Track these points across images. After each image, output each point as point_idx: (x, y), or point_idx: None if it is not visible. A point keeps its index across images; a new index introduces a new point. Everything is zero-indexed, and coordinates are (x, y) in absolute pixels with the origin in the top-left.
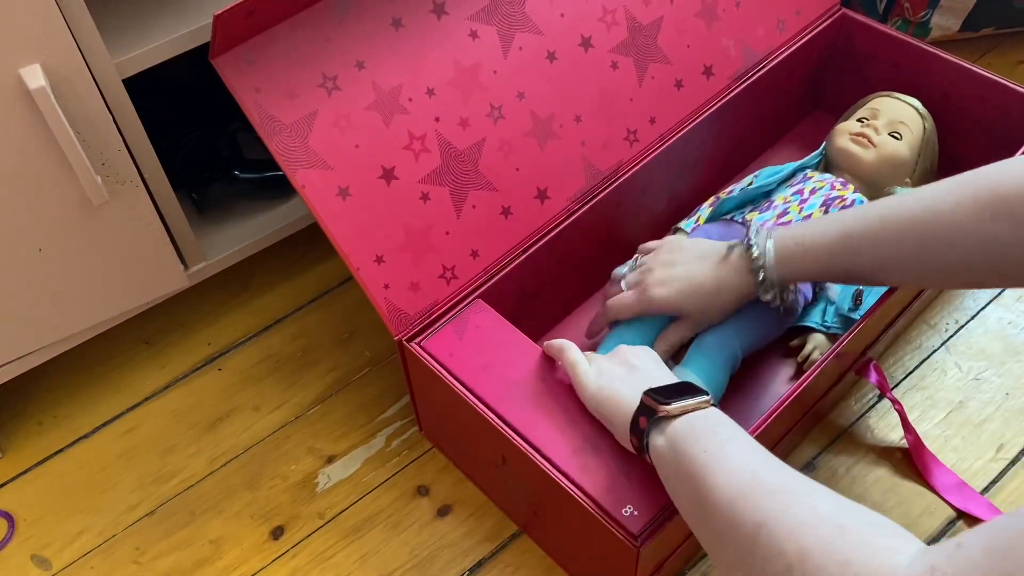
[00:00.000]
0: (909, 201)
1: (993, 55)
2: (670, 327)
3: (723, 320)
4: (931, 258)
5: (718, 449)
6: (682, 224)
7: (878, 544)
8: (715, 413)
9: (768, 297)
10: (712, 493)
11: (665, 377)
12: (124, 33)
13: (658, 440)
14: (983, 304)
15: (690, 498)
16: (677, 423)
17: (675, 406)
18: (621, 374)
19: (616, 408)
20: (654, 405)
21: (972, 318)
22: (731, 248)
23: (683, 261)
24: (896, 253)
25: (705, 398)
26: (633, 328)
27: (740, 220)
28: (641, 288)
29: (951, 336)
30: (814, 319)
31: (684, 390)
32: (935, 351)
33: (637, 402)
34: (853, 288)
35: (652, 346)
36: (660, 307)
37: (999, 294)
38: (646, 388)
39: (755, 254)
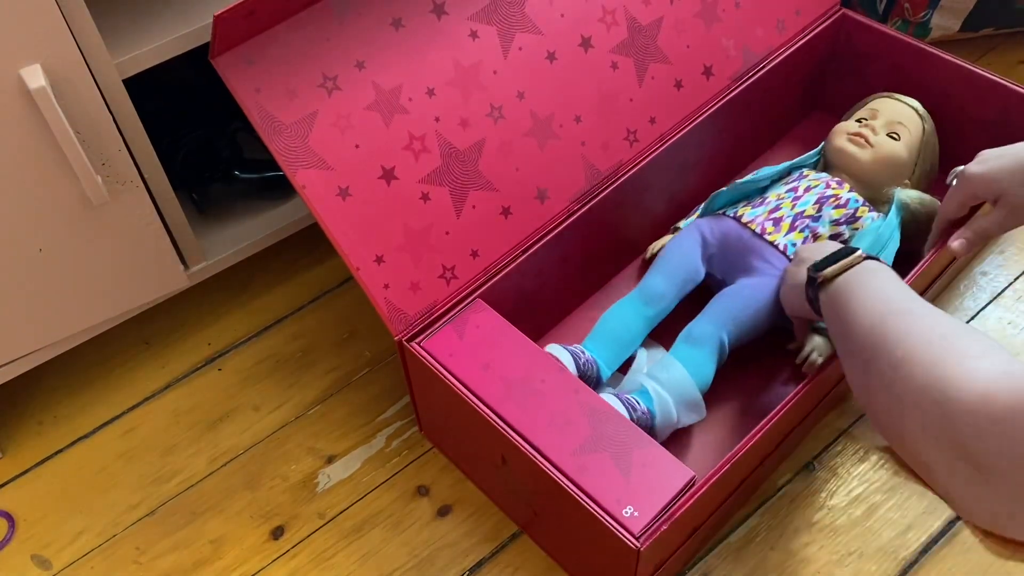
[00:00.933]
0: None
1: (993, 55)
2: (984, 216)
3: None
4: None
5: (871, 300)
6: (681, 223)
7: (968, 351)
8: (865, 270)
9: None
10: (853, 325)
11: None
12: (124, 33)
13: (824, 300)
14: (983, 304)
15: (842, 340)
16: (836, 284)
17: (828, 270)
18: (792, 269)
19: (795, 293)
20: (814, 274)
21: (972, 318)
22: None
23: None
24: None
25: (856, 255)
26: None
27: (732, 215)
28: (961, 174)
29: None
30: None
31: (837, 256)
32: None
33: (805, 278)
34: None
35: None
36: (977, 185)
37: (999, 294)
38: (809, 266)
39: None
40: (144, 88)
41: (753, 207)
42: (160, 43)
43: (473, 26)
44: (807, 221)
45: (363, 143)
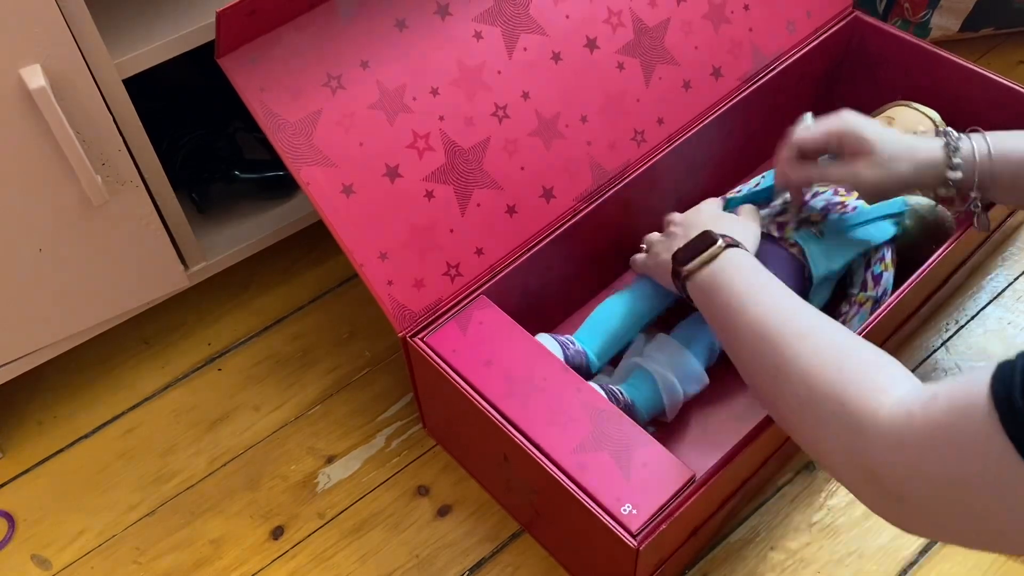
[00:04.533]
0: None
1: (993, 55)
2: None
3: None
4: None
5: (741, 295)
6: None
7: (872, 384)
8: (728, 262)
9: (945, 192)
10: (739, 334)
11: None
12: (124, 33)
13: (692, 290)
14: (983, 304)
15: (722, 334)
16: (700, 276)
17: (691, 265)
18: (664, 245)
19: (662, 273)
20: (678, 268)
21: (972, 318)
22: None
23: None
24: None
25: (717, 246)
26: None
27: None
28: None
29: (951, 336)
30: None
31: (699, 246)
32: (935, 351)
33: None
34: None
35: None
36: (856, 129)
37: (999, 294)
38: (674, 251)
39: (956, 145)
40: (144, 88)
41: (761, 211)
42: (160, 43)
43: (477, 27)
44: (811, 227)
45: (367, 141)
